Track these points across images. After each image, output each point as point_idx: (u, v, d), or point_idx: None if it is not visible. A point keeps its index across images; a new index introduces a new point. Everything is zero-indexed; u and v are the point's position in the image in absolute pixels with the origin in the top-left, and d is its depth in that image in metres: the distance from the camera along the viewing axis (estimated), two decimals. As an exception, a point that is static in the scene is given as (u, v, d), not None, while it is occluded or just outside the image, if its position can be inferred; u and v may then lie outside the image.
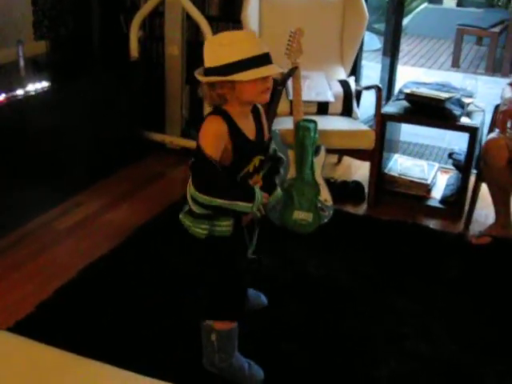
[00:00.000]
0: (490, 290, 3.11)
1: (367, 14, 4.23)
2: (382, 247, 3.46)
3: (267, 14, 4.22)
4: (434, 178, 4.14)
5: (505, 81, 3.78)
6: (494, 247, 3.47)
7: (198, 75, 2.14)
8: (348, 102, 3.99)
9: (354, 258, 3.34)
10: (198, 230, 2.22)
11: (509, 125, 3.32)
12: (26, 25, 4.09)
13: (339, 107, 3.98)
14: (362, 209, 3.95)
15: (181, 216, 2.26)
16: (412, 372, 2.53)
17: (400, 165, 4.23)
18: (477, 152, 3.74)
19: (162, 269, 3.16)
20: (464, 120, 3.73)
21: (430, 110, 3.73)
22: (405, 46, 8.86)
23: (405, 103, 3.87)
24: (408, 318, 2.86)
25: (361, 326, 2.79)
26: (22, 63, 3.74)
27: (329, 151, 3.65)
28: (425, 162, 4.41)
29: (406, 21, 8.30)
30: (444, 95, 3.74)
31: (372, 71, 6.08)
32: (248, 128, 2.21)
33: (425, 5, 9.53)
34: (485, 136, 3.66)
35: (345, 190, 4.08)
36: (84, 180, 3.96)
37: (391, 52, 4.94)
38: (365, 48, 4.93)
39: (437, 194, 4.07)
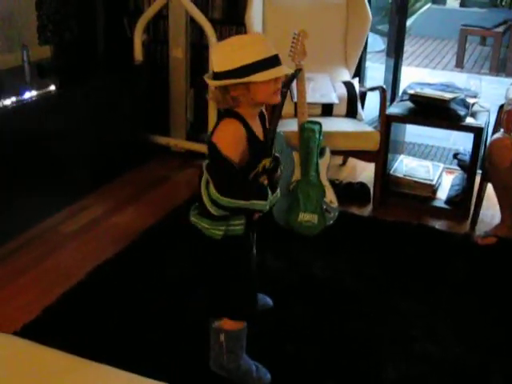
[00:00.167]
0: (496, 291, 3.10)
1: (370, 15, 4.23)
2: (387, 248, 3.45)
3: (271, 17, 4.22)
4: (439, 179, 4.13)
5: (509, 80, 3.79)
6: (500, 247, 3.46)
7: (210, 80, 2.15)
8: (352, 104, 3.99)
9: (359, 260, 3.34)
10: (215, 232, 2.24)
11: (514, 125, 3.31)
12: (31, 29, 4.09)
13: (344, 109, 3.98)
14: (367, 210, 3.94)
15: (194, 219, 2.27)
16: (418, 373, 2.52)
17: (405, 166, 4.22)
18: (482, 152, 3.73)
19: (167, 272, 3.16)
20: (469, 120, 3.73)
21: (435, 111, 3.73)
22: (409, 46, 8.86)
23: (409, 104, 3.87)
24: (414, 319, 2.86)
25: (366, 328, 2.79)
26: (26, 68, 3.75)
27: (334, 153, 3.65)
28: (430, 162, 4.41)
29: (409, 21, 8.27)
30: (448, 96, 3.74)
31: (376, 72, 6.08)
32: (258, 130, 2.24)
33: (428, 5, 9.52)
34: (490, 136, 3.66)
35: (350, 192, 4.08)
36: (89, 184, 3.97)
37: (395, 53, 4.94)
38: (368, 49, 4.93)
39: (442, 194, 4.06)
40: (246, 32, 4.16)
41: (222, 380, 2.44)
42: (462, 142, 4.68)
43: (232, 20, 4.58)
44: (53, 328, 2.71)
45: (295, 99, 3.70)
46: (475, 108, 3.86)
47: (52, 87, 3.66)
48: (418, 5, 9.17)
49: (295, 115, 3.61)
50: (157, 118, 4.62)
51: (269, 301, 2.87)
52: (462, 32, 8.24)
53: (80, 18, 4.53)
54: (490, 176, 3.51)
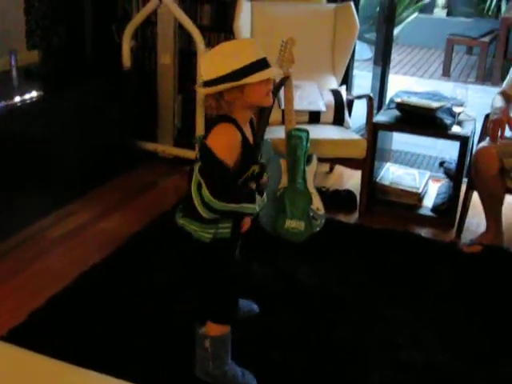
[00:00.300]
0: (482, 299, 3.12)
1: (358, 23, 4.25)
2: (373, 256, 3.47)
3: (259, 24, 4.24)
4: (425, 187, 4.16)
5: (495, 90, 3.81)
6: (486, 256, 3.48)
7: (202, 88, 2.17)
8: (339, 112, 4.01)
9: (345, 267, 3.35)
10: (204, 235, 2.27)
11: (499, 133, 3.34)
12: (19, 34, 4.09)
13: (331, 116, 3.99)
14: (353, 217, 3.96)
15: (182, 221, 2.29)
16: (403, 381, 2.53)
17: (391, 173, 4.25)
18: (468, 161, 3.76)
19: (154, 277, 3.16)
20: (455, 129, 3.76)
21: (421, 119, 3.76)
22: (396, 55, 8.91)
23: (396, 112, 3.89)
24: (399, 326, 2.87)
25: (352, 335, 2.80)
26: (14, 72, 3.74)
27: (321, 160, 3.67)
28: (416, 170, 4.43)
29: (396, 30, 8.32)
30: (435, 104, 3.77)
31: (363, 80, 6.11)
32: (249, 135, 2.27)
33: (415, 14, 9.57)
34: (476, 145, 3.69)
35: (336, 199, 4.10)
36: (76, 189, 3.96)
37: (382, 61, 4.98)
38: (356, 57, 4.96)
39: (428, 202, 4.09)
40: (234, 39, 4.18)
41: (208, 386, 2.45)
42: (449, 150, 4.71)
43: (220, 27, 4.59)
44: (39, 333, 2.70)
45: (283, 106, 3.71)
46: (461, 117, 3.89)
47: (40, 92, 3.65)
48: (405, 14, 9.22)
49: (282, 122, 3.62)
50: (144, 124, 4.63)
51: (254, 307, 2.87)
52: (449, 41, 8.30)
53: (68, 23, 4.53)
54: (476, 184, 3.54)
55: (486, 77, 8.11)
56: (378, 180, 4.12)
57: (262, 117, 2.50)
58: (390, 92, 4.77)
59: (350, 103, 4.27)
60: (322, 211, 3.58)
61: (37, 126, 3.52)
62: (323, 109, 3.95)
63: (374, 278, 3.25)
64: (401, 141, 4.92)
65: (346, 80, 4.58)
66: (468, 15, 9.69)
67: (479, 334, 2.85)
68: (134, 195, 4.13)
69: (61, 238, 3.55)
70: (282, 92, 3.62)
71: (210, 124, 2.26)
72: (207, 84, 2.17)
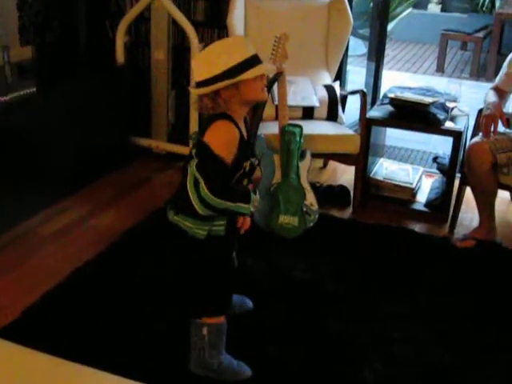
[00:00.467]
0: (475, 293, 3.13)
1: (352, 19, 4.26)
2: (367, 251, 3.47)
3: (253, 20, 4.24)
4: (418, 182, 4.17)
5: (489, 85, 3.81)
6: (479, 250, 3.50)
7: (197, 89, 2.18)
8: (333, 107, 4.01)
9: (339, 262, 3.36)
10: (199, 232, 2.28)
11: (492, 129, 3.35)
12: (12, 30, 4.08)
13: (324, 112, 4.00)
14: (347, 213, 3.97)
15: (176, 218, 2.30)
16: (398, 376, 2.54)
17: (385, 169, 4.25)
18: (461, 156, 3.77)
19: (147, 274, 3.16)
20: (448, 124, 3.77)
21: (415, 115, 3.76)
22: (390, 51, 8.92)
23: (389, 108, 3.90)
24: (394, 321, 2.88)
25: (347, 330, 2.80)
26: (7, 68, 3.73)
27: (314, 156, 3.67)
28: (410, 166, 4.44)
29: (390, 26, 8.34)
30: (428, 100, 3.77)
31: (357, 76, 6.12)
32: (243, 131, 2.28)
33: (409, 10, 9.58)
34: (469, 140, 3.69)
35: (330, 194, 4.10)
36: (69, 185, 3.96)
37: (376, 57, 4.98)
38: (350, 53, 4.96)
39: (421, 197, 4.10)
40: (227, 34, 4.18)
41: (202, 382, 2.45)
42: (442, 145, 4.72)
43: (214, 23, 4.59)
44: (33, 330, 2.69)
45: (276, 102, 3.72)
46: (455, 112, 3.90)
47: (33, 88, 3.64)
48: (399, 9, 9.23)
49: (276, 118, 3.63)
50: (138, 120, 4.62)
51: (248, 302, 2.88)
52: (443, 37, 8.31)
53: (62, 19, 4.52)
54: (469, 180, 3.55)
55: (480, 72, 8.14)
56: (371, 175, 4.13)
57: (255, 113, 2.52)
58: (384, 87, 4.77)
59: (344, 99, 4.28)
60: (315, 207, 3.59)
61: (30, 122, 3.52)
62: (317, 104, 3.95)
63: (367, 273, 3.26)
64: (394, 136, 4.93)
65: (340, 75, 4.59)
66: (462, 11, 9.70)
67: (473, 329, 2.86)
68: (127, 191, 4.13)
69: (53, 235, 3.54)
70: (275, 87, 3.63)
71: (206, 120, 2.26)
72: (201, 84, 2.18)
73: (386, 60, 5.53)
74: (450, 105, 3.86)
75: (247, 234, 2.47)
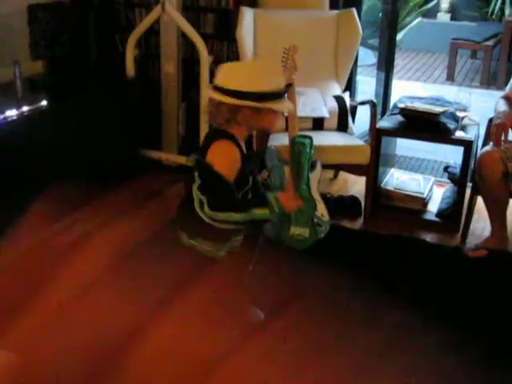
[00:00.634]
0: (488, 303, 3.11)
1: (361, 29, 4.26)
2: (378, 261, 3.46)
3: (262, 32, 4.25)
4: (429, 192, 4.15)
5: (499, 94, 3.81)
6: (491, 260, 3.48)
7: (227, 97, 2.17)
8: (343, 118, 4.01)
9: (350, 272, 3.34)
10: (219, 254, 2.33)
11: (503, 138, 3.34)
12: (23, 45, 4.11)
13: (334, 123, 4.00)
14: (358, 223, 3.96)
15: (193, 242, 2.30)
16: (409, 386, 2.53)
17: (396, 179, 4.24)
18: (472, 165, 3.76)
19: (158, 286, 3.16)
20: (458, 134, 3.75)
21: (425, 124, 3.76)
22: (400, 60, 8.91)
23: (400, 118, 3.89)
24: (404, 331, 2.86)
25: (357, 341, 2.79)
26: (18, 83, 3.76)
27: (325, 166, 3.66)
28: (420, 175, 4.43)
29: (400, 35, 8.35)
30: (438, 109, 3.77)
31: (367, 86, 6.11)
32: (243, 147, 2.28)
33: (419, 19, 9.57)
34: (479, 149, 3.68)
35: (341, 205, 4.09)
36: (80, 198, 3.96)
37: (386, 67, 4.98)
38: (359, 63, 4.96)
39: (433, 207, 4.08)
40: (237, 47, 4.19)
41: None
42: (453, 155, 4.70)
43: (223, 35, 4.61)
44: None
45: (286, 113, 3.72)
46: (465, 121, 3.89)
47: (44, 102, 3.66)
48: (408, 19, 9.23)
49: (286, 129, 3.62)
50: (148, 133, 4.63)
51: (259, 314, 2.87)
52: (453, 45, 8.29)
53: (72, 33, 4.54)
54: (480, 189, 3.53)
55: (491, 81, 8.11)
56: (382, 185, 4.12)
57: (263, 135, 2.53)
58: (394, 97, 4.77)
59: (354, 109, 4.28)
60: (326, 217, 3.57)
61: (40, 135, 3.54)
62: (327, 115, 3.95)
63: (378, 283, 3.24)
64: (405, 146, 4.92)
65: (350, 86, 4.59)
66: (472, 19, 9.68)
67: (484, 339, 2.84)
68: (138, 204, 4.13)
69: (65, 247, 3.55)
70: (285, 99, 3.62)
71: (208, 138, 2.26)
72: (227, 92, 2.16)
73: (395, 70, 5.53)
74: (460, 114, 3.85)
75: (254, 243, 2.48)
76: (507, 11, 9.33)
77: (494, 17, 9.60)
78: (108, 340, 2.40)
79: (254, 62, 2.28)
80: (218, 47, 4.62)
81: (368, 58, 7.86)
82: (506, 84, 3.83)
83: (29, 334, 2.43)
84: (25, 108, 3.52)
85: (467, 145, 3.72)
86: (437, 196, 4.22)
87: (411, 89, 7.40)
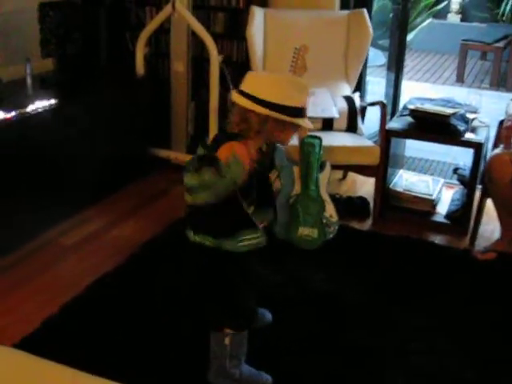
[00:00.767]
0: (496, 306, 3.10)
1: (371, 30, 4.25)
2: (387, 263, 3.46)
3: (272, 31, 4.25)
4: (439, 194, 4.14)
5: (509, 95, 3.80)
6: (500, 263, 3.47)
7: (262, 107, 2.15)
8: (353, 118, 4.01)
9: (359, 274, 3.34)
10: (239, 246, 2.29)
11: (514, 140, 3.33)
12: (34, 43, 4.11)
13: (344, 123, 3.99)
14: (367, 224, 3.95)
15: (198, 239, 2.30)
16: (417, 388, 2.53)
17: (405, 180, 4.23)
18: (481, 167, 3.74)
19: (166, 285, 3.16)
20: (468, 135, 3.74)
21: (435, 126, 3.74)
22: (409, 61, 8.90)
23: (409, 119, 3.88)
24: (414, 333, 2.86)
25: (366, 342, 2.79)
26: (29, 81, 3.76)
27: (334, 167, 3.65)
28: (430, 177, 4.42)
29: (410, 36, 8.32)
30: (448, 111, 3.75)
31: (377, 86, 6.10)
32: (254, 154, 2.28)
33: (429, 20, 9.55)
34: (489, 151, 3.67)
35: (350, 206, 4.09)
36: (90, 196, 3.98)
37: (396, 67, 4.97)
38: (369, 63, 4.95)
39: (442, 209, 4.07)
40: (247, 46, 4.19)
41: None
42: (462, 156, 4.69)
43: (233, 34, 4.61)
44: (52, 341, 2.71)
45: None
46: (475, 123, 3.88)
47: (54, 100, 3.67)
48: (418, 20, 9.21)
49: (295, 130, 3.62)
50: (158, 131, 4.64)
51: (268, 315, 2.87)
52: (463, 47, 8.27)
53: (82, 31, 4.55)
54: (490, 191, 3.52)
55: (501, 82, 8.09)
56: (391, 187, 4.11)
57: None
58: (404, 98, 4.76)
59: (363, 110, 4.27)
60: (335, 218, 3.56)
61: (51, 133, 3.54)
62: (336, 115, 3.94)
63: (387, 286, 3.24)
64: (414, 147, 4.90)
65: (360, 86, 4.58)
66: (482, 20, 9.66)
67: (492, 342, 2.83)
68: (146, 202, 4.14)
69: (74, 246, 3.57)
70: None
71: (217, 141, 2.24)
72: (260, 102, 2.15)
73: (405, 70, 5.52)
74: (470, 116, 3.84)
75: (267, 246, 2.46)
76: (517, 13, 9.30)
77: (504, 18, 9.58)
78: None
79: (282, 75, 2.31)
80: (228, 46, 4.62)
81: (378, 58, 7.84)
82: (516, 86, 3.81)
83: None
84: (35, 105, 3.53)
85: (477, 147, 3.70)
86: (446, 198, 4.21)
87: (420, 90, 7.39)
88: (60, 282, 3.20)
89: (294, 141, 3.54)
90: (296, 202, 3.50)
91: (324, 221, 3.52)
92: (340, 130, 3.98)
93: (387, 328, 2.90)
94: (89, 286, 3.13)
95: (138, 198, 4.20)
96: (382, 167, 3.84)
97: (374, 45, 7.35)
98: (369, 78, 5.17)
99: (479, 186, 3.74)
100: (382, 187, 3.92)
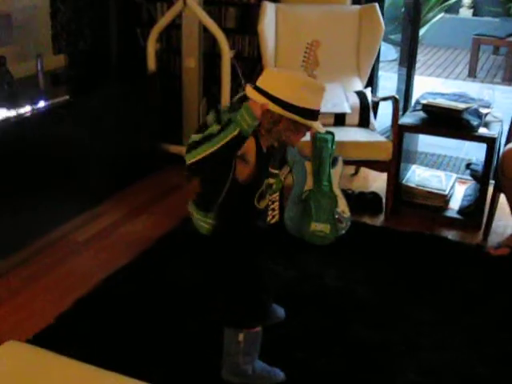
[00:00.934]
0: (509, 301, 3.09)
1: (383, 25, 4.23)
2: (399, 258, 3.45)
3: (283, 26, 4.24)
4: (451, 189, 4.12)
5: (522, 91, 3.77)
6: (513, 258, 3.45)
7: (276, 106, 2.13)
8: (365, 113, 3.99)
9: (371, 269, 3.33)
10: (203, 225, 2.33)
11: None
12: (45, 39, 4.13)
13: (356, 118, 3.98)
14: (379, 220, 3.94)
15: (190, 209, 2.43)
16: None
17: (417, 175, 4.21)
18: (495, 162, 3.72)
19: (179, 280, 3.17)
20: (482, 130, 3.72)
21: (448, 121, 3.73)
22: (421, 56, 8.86)
23: (422, 114, 3.86)
24: (426, 328, 2.85)
25: (378, 337, 2.78)
26: (41, 77, 3.77)
27: (346, 162, 3.65)
28: (442, 172, 4.40)
29: (422, 31, 8.29)
30: (461, 106, 3.73)
31: (389, 81, 6.08)
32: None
33: (441, 15, 9.51)
34: (503, 146, 3.65)
35: (362, 201, 4.08)
36: (102, 192, 3.98)
37: (408, 62, 4.95)
38: (381, 58, 4.93)
39: (455, 204, 4.05)
40: (258, 41, 4.18)
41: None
42: (475, 151, 4.67)
43: (245, 29, 4.60)
44: (65, 335, 2.72)
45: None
46: (488, 118, 3.86)
47: (66, 96, 3.68)
48: (430, 14, 9.17)
49: (307, 125, 3.61)
50: (169, 127, 4.64)
51: (281, 312, 2.86)
52: (475, 41, 8.23)
53: (94, 27, 4.56)
54: (503, 186, 3.50)
55: (513, 77, 8.04)
56: (403, 182, 4.10)
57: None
58: (416, 93, 4.74)
59: (376, 105, 4.25)
60: (347, 214, 3.57)
61: (63, 129, 3.55)
62: (348, 111, 3.93)
63: (400, 281, 3.23)
64: (427, 142, 4.88)
65: (371, 81, 4.56)
66: (494, 15, 9.61)
67: (506, 338, 2.81)
68: (159, 198, 4.15)
69: (87, 241, 3.57)
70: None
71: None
72: (277, 102, 2.13)
73: (417, 65, 5.49)
74: (483, 111, 3.82)
75: (277, 239, 2.46)
76: (530, 7, 9.25)
77: (516, 12, 9.53)
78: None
79: (300, 75, 2.27)
80: (240, 42, 4.61)
81: (390, 53, 7.82)
82: (530, 80, 3.79)
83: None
84: (46, 102, 3.53)
85: (490, 142, 3.68)
86: (459, 193, 4.19)
87: (432, 85, 7.36)
88: (72, 278, 3.21)
89: (307, 136, 3.54)
90: (308, 197, 3.50)
91: (336, 216, 3.52)
92: (352, 126, 3.97)
93: (399, 323, 2.89)
94: (101, 282, 3.13)
95: (149, 193, 4.20)
96: (394, 162, 3.82)
97: (386, 39, 7.33)
98: (381, 73, 5.15)
99: (492, 181, 3.72)
100: (395, 182, 3.91)
